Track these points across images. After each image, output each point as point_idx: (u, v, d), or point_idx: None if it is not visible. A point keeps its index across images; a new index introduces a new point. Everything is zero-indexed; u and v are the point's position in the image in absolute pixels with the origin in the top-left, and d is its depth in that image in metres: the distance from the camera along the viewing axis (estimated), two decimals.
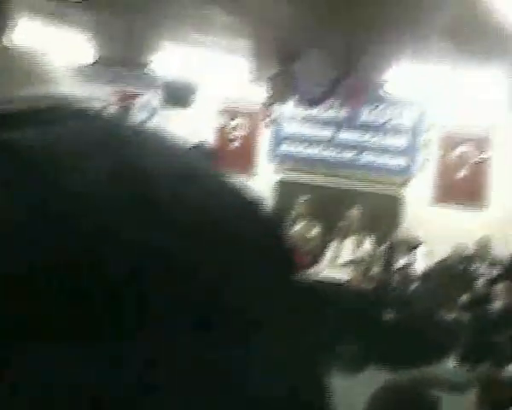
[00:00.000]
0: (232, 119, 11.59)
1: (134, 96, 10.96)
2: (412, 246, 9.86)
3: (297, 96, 10.03)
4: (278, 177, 11.19)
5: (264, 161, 11.39)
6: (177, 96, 11.32)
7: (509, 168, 10.23)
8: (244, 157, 11.31)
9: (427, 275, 9.67)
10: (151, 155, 0.45)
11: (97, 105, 0.48)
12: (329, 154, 11.06)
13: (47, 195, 0.40)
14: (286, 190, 10.84)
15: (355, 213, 9.88)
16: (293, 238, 9.89)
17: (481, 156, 10.39)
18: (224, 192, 0.49)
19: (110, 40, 9.30)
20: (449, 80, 8.67)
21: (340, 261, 9.69)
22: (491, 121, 10.26)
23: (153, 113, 11.21)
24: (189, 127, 11.57)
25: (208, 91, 11.36)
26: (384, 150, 10.81)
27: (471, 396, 3.73)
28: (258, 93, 10.21)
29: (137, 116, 10.78)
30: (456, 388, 6.27)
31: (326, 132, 11.09)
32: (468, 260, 9.78)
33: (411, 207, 10.54)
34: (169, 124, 11.18)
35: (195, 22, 7.55)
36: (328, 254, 9.83)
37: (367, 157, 10.87)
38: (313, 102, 10.33)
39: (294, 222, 10.10)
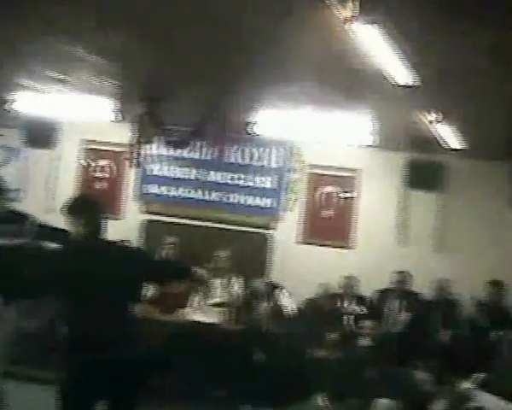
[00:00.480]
0: (97, 159, 11.44)
1: None
2: (280, 286, 9.95)
3: (163, 138, 10.00)
4: (145, 218, 11.11)
5: (130, 202, 11.29)
6: (39, 135, 11.09)
7: (372, 209, 10.52)
8: (110, 198, 11.17)
9: (296, 315, 9.77)
10: None
11: None
12: (196, 195, 11.07)
13: None
14: (153, 231, 10.76)
15: (223, 254, 9.88)
16: None
17: (347, 196, 10.61)
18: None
19: None
20: (315, 121, 8.82)
21: (209, 303, 9.66)
22: (356, 162, 10.54)
23: (13, 153, 10.96)
24: (52, 168, 11.43)
25: (72, 132, 11.21)
26: (251, 191, 10.89)
27: None
28: (124, 134, 10.13)
29: None
30: None
31: (193, 173, 11.10)
32: (334, 298, 9.94)
33: (279, 247, 10.64)
34: (30, 165, 10.98)
35: (60, 60, 7.41)
36: (197, 296, 9.79)
37: (234, 198, 10.94)
38: (179, 144, 10.33)
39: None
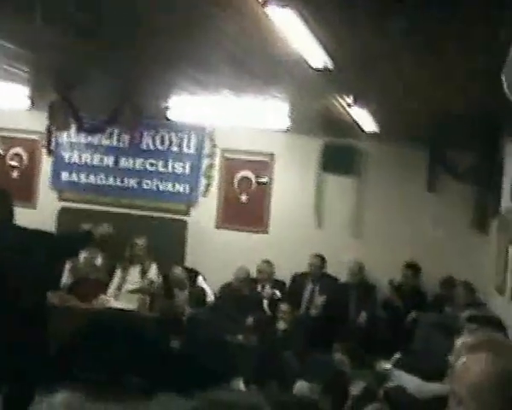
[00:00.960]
0: (11, 148, 11.24)
1: None
2: (197, 272, 9.94)
3: (77, 125, 9.86)
4: (60, 206, 10.96)
5: (45, 189, 11.12)
6: None
7: (288, 193, 10.57)
8: (25, 186, 11.00)
9: (213, 300, 9.78)
10: None
11: None
12: (112, 181, 10.97)
13: None
14: (69, 218, 10.60)
15: (139, 241, 9.82)
16: (78, 268, 9.71)
17: (262, 181, 10.64)
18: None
19: None
20: (231, 106, 8.81)
21: (125, 290, 9.59)
22: (272, 147, 10.57)
23: None
24: None
25: None
26: (168, 177, 10.85)
27: None
28: (38, 121, 9.97)
29: None
30: (246, 408, 6.36)
31: (108, 160, 11.01)
32: (251, 283, 9.96)
33: (196, 233, 10.62)
34: None
35: None
36: (114, 282, 9.71)
37: (150, 184, 10.87)
38: (94, 130, 10.22)
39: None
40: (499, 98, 4.36)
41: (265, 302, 9.86)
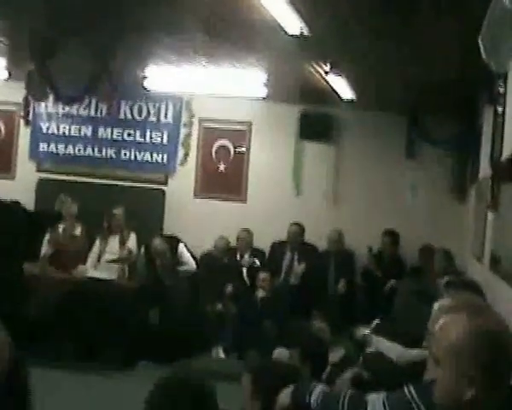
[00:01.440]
0: None
1: None
2: (177, 239, 9.92)
3: (54, 94, 9.78)
4: (39, 176, 10.90)
5: (24, 160, 11.05)
6: None
7: (266, 162, 10.57)
8: (3, 158, 10.94)
9: (193, 268, 9.77)
10: None
11: None
12: (89, 151, 10.92)
13: None
14: (47, 189, 10.56)
15: (118, 210, 9.79)
16: (58, 238, 9.69)
17: (240, 150, 10.63)
18: None
19: None
20: (207, 75, 8.79)
21: (104, 260, 9.58)
22: (249, 115, 10.55)
23: None
24: None
25: None
26: (145, 146, 10.80)
27: (248, 379, 3.79)
28: (15, 92, 9.89)
29: None
30: (227, 377, 6.39)
31: (85, 130, 10.95)
32: (230, 251, 9.97)
33: (174, 202, 10.60)
34: None
35: None
36: (93, 253, 9.70)
37: (128, 154, 10.83)
38: (71, 100, 10.14)
39: (57, 222, 9.88)
40: (477, 64, 4.36)
41: (245, 271, 9.88)
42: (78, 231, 9.84)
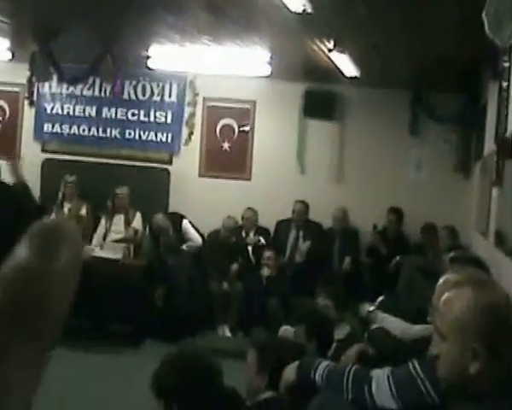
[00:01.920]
0: None
1: None
2: (180, 215, 9.94)
3: (58, 75, 9.79)
4: (44, 157, 10.92)
5: (28, 141, 11.07)
6: None
7: (270, 140, 10.57)
8: (8, 139, 10.95)
9: (199, 246, 9.80)
10: None
11: None
12: (94, 132, 10.93)
13: None
14: (53, 170, 10.58)
15: (122, 190, 9.82)
16: (64, 218, 9.72)
17: (244, 128, 10.63)
18: None
19: None
20: (211, 54, 8.77)
21: (110, 239, 9.62)
22: (252, 93, 10.53)
23: None
24: None
25: None
26: (149, 126, 10.80)
27: (253, 355, 3.83)
28: (19, 73, 9.90)
29: None
30: (232, 354, 6.43)
31: (89, 110, 10.95)
32: (236, 230, 9.98)
33: (178, 182, 10.61)
34: None
35: None
36: (98, 232, 9.74)
37: (132, 133, 10.84)
38: (75, 80, 10.15)
39: (63, 202, 9.92)
40: (481, 39, 4.36)
41: (250, 249, 9.91)
42: (83, 211, 9.87)
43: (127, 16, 7.34)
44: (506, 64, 6.28)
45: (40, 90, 10.64)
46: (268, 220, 10.31)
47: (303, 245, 9.88)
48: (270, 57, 8.81)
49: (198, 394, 2.98)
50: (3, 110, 11.18)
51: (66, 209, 9.84)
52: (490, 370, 2.20)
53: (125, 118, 10.84)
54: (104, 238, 9.64)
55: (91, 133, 10.92)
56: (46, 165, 10.80)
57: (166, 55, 9.16)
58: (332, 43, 7.47)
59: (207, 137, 10.74)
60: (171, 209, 10.39)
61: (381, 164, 10.27)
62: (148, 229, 9.72)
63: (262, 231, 10.22)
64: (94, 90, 10.87)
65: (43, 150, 11.03)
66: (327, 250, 9.92)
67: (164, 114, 10.79)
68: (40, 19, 8.07)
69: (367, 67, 8.83)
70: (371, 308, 5.05)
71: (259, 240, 9.96)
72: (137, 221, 9.80)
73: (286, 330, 5.61)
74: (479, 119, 8.88)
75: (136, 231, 9.66)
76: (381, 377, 3.07)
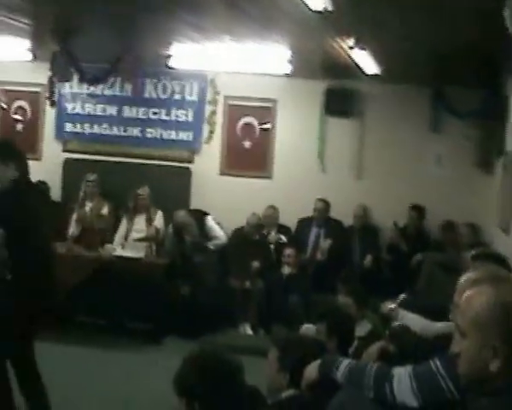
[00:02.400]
0: (14, 101, 11.25)
1: None
2: (204, 212, 9.97)
3: (79, 75, 9.84)
4: (65, 156, 10.98)
5: (50, 141, 11.14)
6: None
7: (291, 138, 10.56)
8: (29, 139, 11.02)
9: (222, 243, 9.84)
10: None
11: None
12: (115, 131, 10.97)
13: None
14: (74, 169, 10.64)
15: (143, 190, 9.86)
16: (85, 218, 9.78)
17: (265, 126, 10.62)
18: None
19: None
20: (231, 52, 8.78)
21: (132, 238, 9.66)
22: (273, 91, 10.53)
23: None
24: None
25: None
26: (170, 125, 10.83)
27: (274, 353, 3.84)
28: (40, 73, 9.96)
29: None
30: (253, 352, 6.44)
31: (110, 109, 11.00)
32: (257, 228, 9.99)
33: (200, 180, 10.63)
34: None
35: None
36: (120, 231, 9.78)
37: (153, 132, 10.87)
38: (95, 80, 10.19)
39: (84, 201, 9.97)
40: (502, 35, 4.34)
41: (271, 247, 9.93)
42: (105, 210, 9.93)
43: (148, 15, 7.36)
44: None
45: (61, 89, 10.70)
46: (289, 218, 10.31)
47: (324, 243, 9.88)
48: (291, 55, 8.80)
49: (220, 392, 3.00)
50: (25, 110, 11.26)
51: (87, 208, 9.90)
52: (509, 366, 2.20)
53: (145, 117, 10.88)
54: (126, 237, 9.68)
55: (112, 132, 10.96)
56: (67, 164, 10.86)
57: (187, 54, 9.18)
58: (353, 40, 7.45)
59: (228, 136, 10.75)
60: (192, 207, 10.41)
61: (402, 161, 10.24)
62: (170, 226, 9.76)
63: (283, 229, 10.23)
64: (115, 90, 10.91)
65: (65, 150, 11.09)
66: (348, 248, 9.92)
67: (185, 112, 10.81)
68: (60, 19, 8.11)
69: (387, 64, 8.81)
70: (392, 306, 5.04)
71: (280, 238, 9.97)
72: (159, 220, 9.84)
73: (307, 328, 5.62)
74: (500, 113, 8.84)
75: (157, 230, 9.69)
76: (402, 374, 3.07)
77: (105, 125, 10.98)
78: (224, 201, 10.36)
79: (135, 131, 10.91)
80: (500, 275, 2.49)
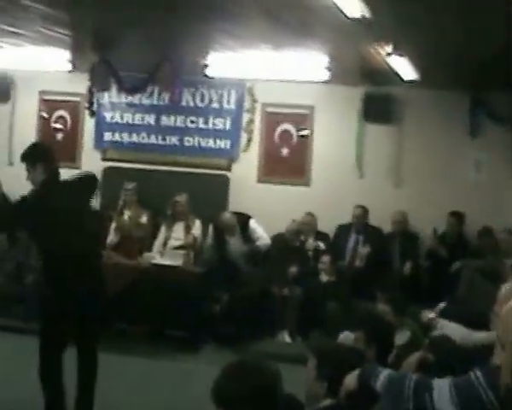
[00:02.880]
0: (55, 111, 11.37)
1: None
2: (247, 216, 9.97)
3: (117, 85, 9.92)
4: (104, 165, 11.06)
5: (89, 150, 11.24)
6: None
7: (329, 145, 10.53)
8: (69, 148, 11.14)
9: (267, 246, 9.84)
10: None
11: None
12: (153, 139, 11.03)
13: None
14: (113, 178, 10.71)
15: (181, 198, 9.89)
16: (124, 226, 9.83)
17: (303, 134, 10.61)
18: None
19: None
20: (269, 60, 8.79)
21: (170, 246, 9.69)
22: (311, 98, 10.52)
23: None
24: (11, 121, 11.42)
25: (28, 84, 11.17)
26: (208, 133, 10.86)
27: (312, 362, 3.83)
28: (80, 83, 10.05)
29: None
30: (292, 360, 6.43)
31: (148, 118, 11.06)
32: (297, 234, 9.97)
33: (238, 188, 10.64)
34: None
35: (11, 13, 7.30)
36: (159, 240, 9.82)
37: (191, 140, 10.91)
38: (134, 90, 10.26)
39: (123, 210, 10.02)
40: None
41: (309, 254, 9.91)
42: (143, 218, 9.97)
43: (185, 25, 7.39)
44: None
45: (100, 99, 10.78)
46: (327, 225, 10.28)
47: (362, 250, 9.84)
48: (328, 62, 8.79)
49: (257, 403, 2.99)
50: (65, 120, 11.38)
51: (126, 217, 9.95)
52: None
53: (183, 125, 10.92)
54: (164, 245, 9.71)
55: (151, 141, 11.03)
56: (106, 173, 10.93)
57: (224, 63, 9.20)
58: (390, 47, 7.43)
59: (266, 143, 10.76)
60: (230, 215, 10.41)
61: (441, 166, 10.17)
62: (211, 230, 9.78)
63: (321, 235, 10.20)
64: (153, 99, 10.98)
65: (104, 159, 11.18)
66: (387, 255, 9.85)
67: (223, 120, 10.84)
68: (99, 30, 8.19)
69: (426, 70, 8.76)
70: (432, 315, 5.01)
71: (318, 245, 9.94)
72: (197, 228, 9.85)
73: (346, 336, 5.60)
74: None
75: (195, 238, 9.71)
76: (442, 385, 3.04)
77: (143, 134, 11.05)
78: (262, 208, 10.34)
79: (173, 140, 10.97)
80: None
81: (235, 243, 9.70)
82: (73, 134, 11.35)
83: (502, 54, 7.44)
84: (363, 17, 5.79)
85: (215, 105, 10.85)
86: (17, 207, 5.92)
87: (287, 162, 10.68)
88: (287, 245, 9.84)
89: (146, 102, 11.01)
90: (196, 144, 10.89)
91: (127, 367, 7.87)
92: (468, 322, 4.86)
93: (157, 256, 9.43)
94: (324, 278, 9.44)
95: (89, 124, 11.19)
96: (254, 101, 10.75)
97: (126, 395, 7.03)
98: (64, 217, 5.57)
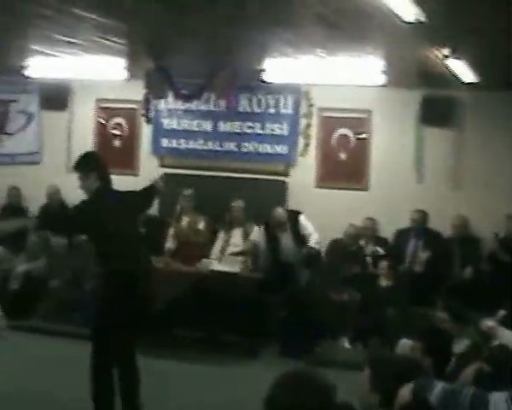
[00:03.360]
0: (112, 118, 11.49)
1: (9, 102, 10.65)
2: (297, 212, 9.93)
3: (174, 92, 9.97)
4: (162, 171, 11.10)
5: (146, 157, 11.32)
6: (54, 98, 11.16)
7: (387, 149, 10.44)
8: (127, 155, 11.26)
9: (317, 258, 9.79)
10: None
11: None
12: (210, 145, 11.07)
13: None
14: (170, 184, 10.72)
15: (240, 203, 9.90)
16: (181, 232, 9.87)
17: (361, 138, 10.54)
18: None
19: None
20: (326, 65, 8.77)
21: (228, 252, 9.71)
22: (369, 102, 10.44)
23: (30, 117, 10.96)
24: (69, 129, 11.58)
25: (85, 92, 11.31)
26: (265, 138, 10.85)
27: (367, 372, 3.78)
28: (136, 91, 10.14)
29: (15, 122, 10.55)
30: (351, 366, 6.38)
31: (206, 125, 11.10)
32: (355, 239, 9.91)
33: (296, 193, 10.61)
34: (47, 127, 11.00)
35: (67, 23, 7.40)
36: (217, 246, 9.83)
37: (248, 146, 10.91)
38: (191, 96, 10.30)
39: (181, 216, 10.06)
40: None
41: (369, 259, 9.84)
42: (201, 224, 9.99)
43: (241, 33, 7.41)
44: None
45: (157, 106, 10.85)
46: (386, 230, 10.20)
47: (422, 254, 9.73)
48: (385, 66, 8.72)
49: None
50: (122, 127, 11.48)
51: (183, 223, 9.98)
52: None
53: (240, 131, 10.94)
54: (222, 252, 9.72)
55: (208, 147, 11.06)
56: (164, 179, 10.96)
57: (280, 68, 9.20)
58: (448, 50, 7.34)
59: (323, 148, 10.71)
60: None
61: (501, 169, 9.99)
62: (263, 228, 9.76)
63: (380, 240, 10.12)
64: (209, 105, 11.00)
65: (161, 165, 11.24)
66: (447, 260, 9.72)
67: (280, 125, 10.82)
68: (154, 37, 8.25)
69: (485, 72, 8.64)
70: (491, 324, 4.92)
71: (377, 250, 9.88)
72: (255, 234, 9.84)
73: (403, 345, 5.54)
74: None
75: (254, 244, 9.70)
76: (499, 401, 2.98)
77: (200, 141, 11.09)
78: (320, 213, 10.28)
79: (230, 146, 10.98)
80: None
81: (286, 242, 9.64)
82: (130, 141, 11.45)
83: None
84: (418, 21, 5.73)
85: (272, 110, 10.84)
86: (73, 214, 6.03)
87: (345, 167, 10.63)
88: (344, 250, 9.79)
89: (203, 108, 11.04)
90: (253, 150, 10.90)
91: (185, 372, 7.92)
92: None
93: (215, 263, 9.44)
94: (384, 282, 9.37)
95: (146, 130, 11.27)
96: (311, 105, 10.71)
97: (183, 400, 7.05)
98: (117, 225, 5.65)
